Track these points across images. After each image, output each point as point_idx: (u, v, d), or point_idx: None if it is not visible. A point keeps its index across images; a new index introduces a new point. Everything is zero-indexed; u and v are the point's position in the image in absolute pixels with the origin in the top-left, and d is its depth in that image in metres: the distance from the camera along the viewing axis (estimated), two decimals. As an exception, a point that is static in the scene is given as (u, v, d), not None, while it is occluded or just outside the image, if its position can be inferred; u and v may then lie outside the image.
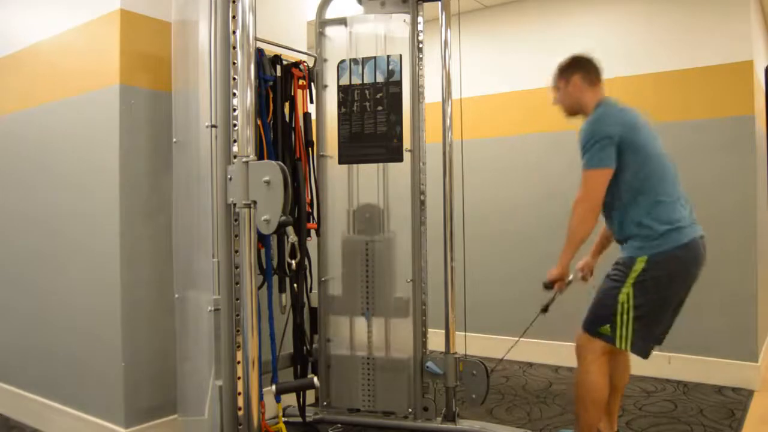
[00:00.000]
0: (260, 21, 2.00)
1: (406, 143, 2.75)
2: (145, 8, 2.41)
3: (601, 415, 2.28)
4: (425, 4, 2.80)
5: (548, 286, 2.35)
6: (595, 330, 2.21)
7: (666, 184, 2.20)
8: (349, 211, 2.85)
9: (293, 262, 2.33)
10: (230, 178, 1.89)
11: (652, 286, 2.14)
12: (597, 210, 2.21)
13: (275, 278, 2.61)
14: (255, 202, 1.84)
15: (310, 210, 2.71)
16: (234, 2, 1.91)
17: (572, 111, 2.42)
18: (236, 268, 1.94)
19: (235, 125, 1.92)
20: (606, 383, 2.23)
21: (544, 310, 2.47)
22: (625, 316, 2.16)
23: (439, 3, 2.73)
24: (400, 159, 2.76)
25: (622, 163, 2.19)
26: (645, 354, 2.22)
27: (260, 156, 2.43)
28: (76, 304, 2.56)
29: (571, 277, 2.39)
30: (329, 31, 2.89)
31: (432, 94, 2.83)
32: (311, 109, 2.82)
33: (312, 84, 2.82)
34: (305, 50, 3.00)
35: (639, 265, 2.15)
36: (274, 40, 2.69)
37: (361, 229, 2.82)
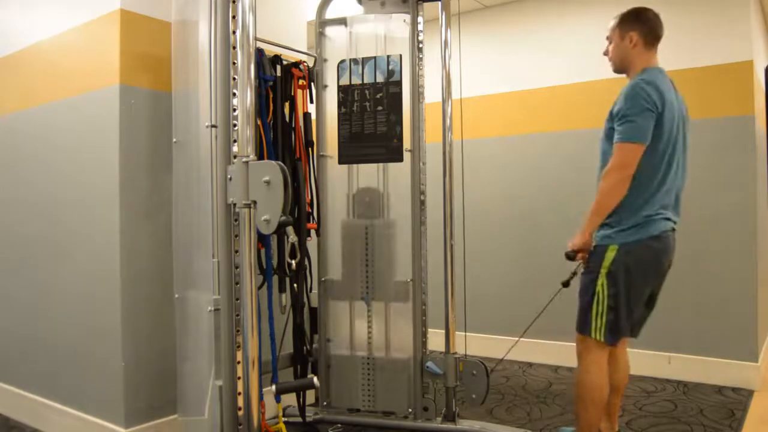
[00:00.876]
0: (260, 21, 2.00)
1: (406, 143, 2.75)
2: (145, 8, 2.41)
3: (601, 414, 2.28)
4: (425, 4, 2.80)
5: (570, 255, 2.26)
6: (586, 328, 2.21)
7: (652, 183, 2.16)
8: (348, 195, 2.84)
9: (293, 262, 2.33)
10: (230, 178, 1.89)
11: (623, 275, 2.14)
12: (628, 181, 2.11)
13: (275, 278, 2.61)
14: (255, 202, 1.84)
15: (310, 210, 2.72)
16: (234, 2, 1.91)
17: (620, 68, 2.31)
18: (236, 268, 1.94)
19: (235, 125, 1.92)
20: (606, 382, 2.22)
21: (566, 284, 2.35)
22: (600, 307, 2.16)
23: (439, 3, 2.73)
24: (400, 159, 2.76)
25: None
26: (613, 343, 2.22)
27: (260, 156, 2.43)
28: (76, 304, 2.56)
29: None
30: (329, 31, 2.89)
31: (432, 94, 2.83)
32: (311, 109, 2.82)
33: (312, 84, 2.82)
34: (305, 50, 3.00)
35: (610, 254, 2.15)
36: (274, 40, 2.69)
37: (361, 212, 2.81)
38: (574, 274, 2.32)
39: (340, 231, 2.86)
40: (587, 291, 2.20)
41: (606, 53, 2.35)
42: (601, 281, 2.16)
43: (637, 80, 2.15)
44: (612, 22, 2.32)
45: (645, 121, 2.09)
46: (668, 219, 2.21)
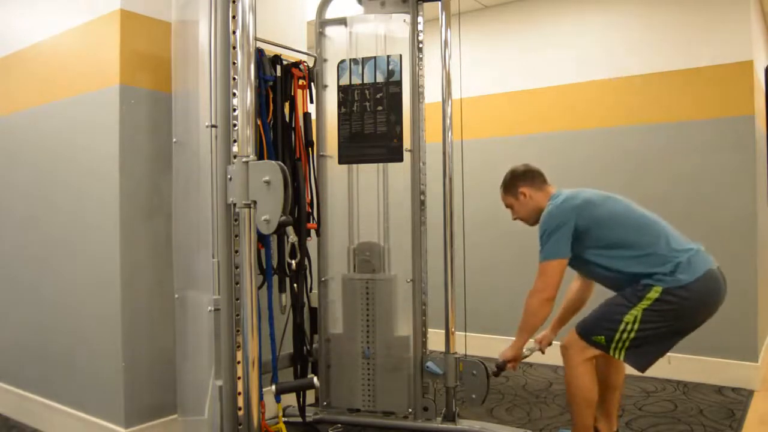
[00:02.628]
0: (260, 21, 2.00)
1: (406, 143, 2.75)
2: (145, 8, 2.41)
3: (593, 414, 2.30)
4: (425, 4, 2.80)
5: (500, 367, 2.44)
6: (589, 337, 2.23)
7: (645, 235, 2.22)
8: (349, 249, 2.86)
9: (293, 262, 2.33)
10: (230, 178, 1.89)
11: (660, 316, 2.15)
12: (552, 300, 2.29)
13: (275, 278, 2.60)
14: (255, 202, 1.84)
15: (310, 210, 2.71)
16: (234, 2, 1.91)
17: (534, 219, 2.46)
18: (236, 268, 1.94)
19: (235, 125, 1.92)
20: (594, 383, 2.26)
21: (496, 374, 2.51)
22: (625, 335, 2.18)
23: (439, 3, 2.73)
24: (400, 159, 2.76)
25: (591, 239, 2.25)
26: (641, 368, 2.24)
27: (260, 156, 2.43)
28: (76, 304, 2.56)
29: (527, 350, 2.48)
30: (329, 31, 2.89)
31: (432, 94, 2.83)
32: (311, 109, 2.82)
33: (312, 84, 2.82)
34: (305, 50, 2.99)
35: (653, 294, 2.15)
36: (274, 40, 2.69)
37: (362, 268, 2.82)
38: (503, 369, 2.46)
39: (339, 230, 2.85)
40: (613, 312, 2.21)
41: (515, 218, 2.54)
42: (636, 313, 2.16)
43: (547, 208, 2.33)
44: (501, 193, 2.56)
45: (558, 240, 2.25)
46: (702, 252, 2.23)
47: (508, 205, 2.55)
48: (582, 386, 2.24)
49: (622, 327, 2.17)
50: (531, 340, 2.47)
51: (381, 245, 2.82)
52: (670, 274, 2.13)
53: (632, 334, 2.16)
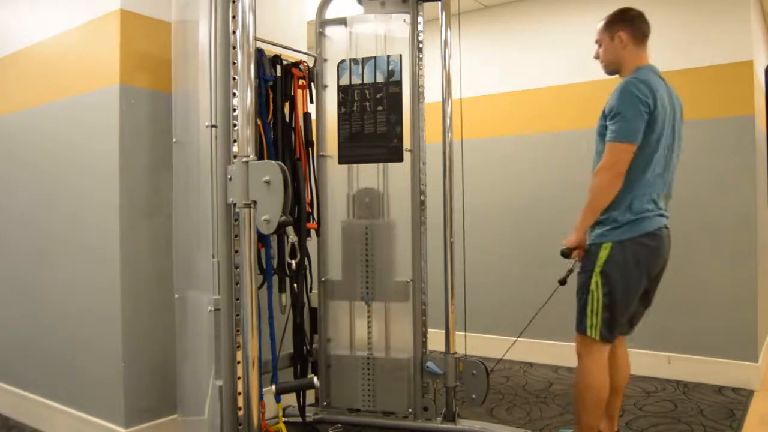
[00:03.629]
0: (260, 21, 2.00)
1: (406, 143, 2.75)
2: (145, 8, 2.41)
3: (601, 414, 2.27)
4: (425, 4, 2.80)
5: (566, 253, 2.27)
6: (583, 328, 2.21)
7: (644, 180, 2.16)
8: (348, 195, 2.85)
9: (293, 262, 2.33)
10: (230, 178, 1.89)
11: (617, 273, 2.14)
12: (620, 180, 2.11)
13: (275, 278, 2.60)
14: (255, 202, 1.83)
15: (310, 210, 2.72)
16: (234, 2, 1.91)
17: (612, 69, 2.31)
18: (236, 268, 1.94)
19: (235, 125, 1.92)
20: (606, 381, 2.22)
21: (562, 282, 2.35)
22: (595, 305, 2.17)
23: (439, 3, 2.73)
24: (400, 159, 2.76)
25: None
26: (609, 341, 2.21)
27: (260, 156, 2.43)
28: (76, 304, 2.56)
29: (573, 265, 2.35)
30: (329, 31, 2.89)
31: (432, 94, 2.83)
32: (311, 109, 2.82)
33: (312, 84, 2.82)
34: (305, 50, 2.99)
35: (604, 252, 2.15)
36: (274, 40, 2.69)
37: (361, 214, 2.82)
38: (571, 271, 2.32)
39: (340, 231, 2.86)
40: (583, 290, 2.21)
41: (597, 56, 2.36)
42: (596, 279, 2.16)
43: (630, 79, 2.16)
44: (599, 25, 2.33)
45: (637, 121, 2.09)
46: (662, 216, 2.21)
47: (597, 41, 2.34)
48: (593, 385, 2.19)
49: (590, 298, 2.16)
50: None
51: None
52: (623, 227, 2.13)
53: (601, 302, 2.15)
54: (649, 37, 2.28)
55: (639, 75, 2.17)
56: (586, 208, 2.19)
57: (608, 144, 2.13)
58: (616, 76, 2.33)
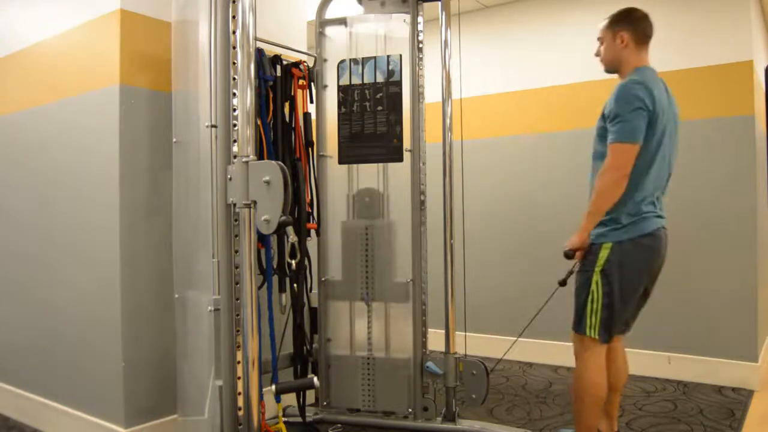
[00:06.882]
0: (260, 21, 2.00)
1: (406, 143, 2.75)
2: (145, 8, 2.41)
3: (600, 413, 2.28)
4: (425, 4, 2.80)
5: (569, 254, 2.26)
6: (581, 327, 2.22)
7: (645, 182, 2.16)
8: (348, 196, 2.85)
9: (293, 262, 2.33)
10: (230, 178, 1.89)
11: (617, 273, 2.15)
12: (625, 180, 2.11)
13: (275, 278, 2.61)
14: (255, 202, 1.84)
15: (310, 210, 2.72)
16: (234, 2, 1.91)
17: (612, 68, 2.31)
18: (236, 268, 1.94)
19: (235, 125, 1.92)
20: (604, 381, 2.22)
21: (562, 283, 2.34)
22: (595, 304, 2.17)
23: (439, 3, 2.73)
24: (400, 159, 2.76)
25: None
26: (607, 340, 2.22)
27: (260, 156, 2.43)
28: (76, 304, 2.56)
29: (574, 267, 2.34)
30: (329, 31, 2.89)
31: (432, 94, 2.83)
32: (311, 109, 2.82)
33: (312, 84, 2.82)
34: (305, 50, 3.00)
35: (604, 252, 2.16)
36: (274, 40, 2.69)
37: (361, 214, 2.82)
38: (571, 272, 2.32)
39: (340, 231, 2.86)
40: (582, 289, 2.21)
41: (597, 54, 2.36)
42: (596, 279, 2.17)
43: (628, 80, 2.16)
44: (603, 23, 2.33)
45: (638, 121, 2.09)
46: (660, 216, 2.23)
47: (600, 38, 2.34)
48: (591, 384, 2.20)
49: (589, 297, 2.17)
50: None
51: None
52: (623, 228, 2.14)
53: (600, 302, 2.15)
54: (651, 39, 2.28)
55: (637, 77, 2.17)
56: (591, 209, 2.18)
57: (611, 145, 2.13)
58: (616, 75, 2.33)
